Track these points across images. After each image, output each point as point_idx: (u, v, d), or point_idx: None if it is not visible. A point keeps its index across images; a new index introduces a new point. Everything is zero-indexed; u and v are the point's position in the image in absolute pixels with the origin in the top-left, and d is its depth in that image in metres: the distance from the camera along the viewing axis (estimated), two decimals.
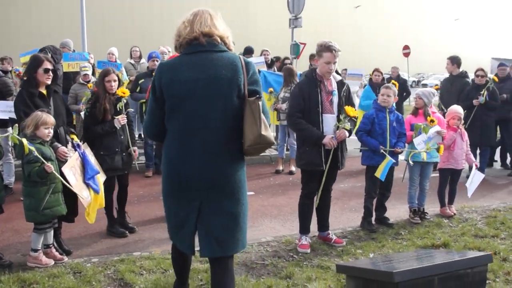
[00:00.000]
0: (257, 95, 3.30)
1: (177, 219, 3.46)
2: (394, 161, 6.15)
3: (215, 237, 3.35)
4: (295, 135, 10.10)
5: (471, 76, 9.96)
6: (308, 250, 5.56)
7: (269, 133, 3.31)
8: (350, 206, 7.70)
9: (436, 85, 10.32)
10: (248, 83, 3.31)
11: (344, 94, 5.60)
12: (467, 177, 7.30)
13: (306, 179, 5.67)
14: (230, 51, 3.39)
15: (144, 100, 8.75)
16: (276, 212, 7.42)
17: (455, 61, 10.30)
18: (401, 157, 6.59)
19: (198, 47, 3.29)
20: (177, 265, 3.98)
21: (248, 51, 11.87)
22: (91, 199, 5.25)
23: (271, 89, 10.16)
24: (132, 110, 6.27)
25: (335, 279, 4.76)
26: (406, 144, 6.43)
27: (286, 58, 11.80)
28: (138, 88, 9.05)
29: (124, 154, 6.09)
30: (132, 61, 11.87)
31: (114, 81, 5.99)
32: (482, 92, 9.39)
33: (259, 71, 11.04)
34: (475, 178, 6.98)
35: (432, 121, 6.45)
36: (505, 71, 10.64)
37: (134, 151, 6.25)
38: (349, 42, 42.67)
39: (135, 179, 6.69)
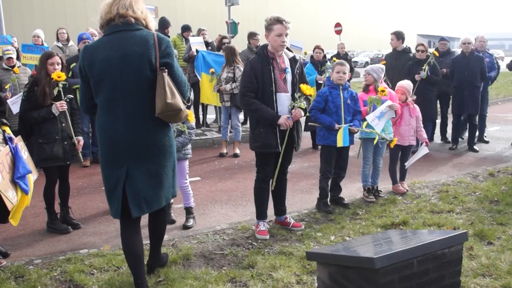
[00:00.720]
0: (164, 67, 3.62)
1: (109, 185, 3.76)
2: (349, 125, 6.04)
3: (143, 197, 3.72)
4: (238, 116, 9.91)
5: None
6: (267, 237, 5.32)
7: (176, 100, 3.61)
8: (301, 188, 7.52)
9: (384, 60, 10.19)
10: (160, 57, 3.63)
11: (298, 71, 5.34)
12: (413, 152, 7.28)
13: (261, 162, 5.40)
14: (144, 29, 3.69)
15: (78, 86, 8.21)
16: (226, 197, 7.14)
17: (400, 36, 10.29)
18: (357, 135, 6.44)
19: (115, 27, 3.64)
20: (130, 258, 3.93)
21: (186, 29, 11.42)
22: (17, 200, 4.59)
23: (212, 69, 9.78)
24: (72, 96, 5.72)
25: (300, 265, 4.56)
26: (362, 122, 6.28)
27: (224, 37, 11.42)
28: (70, 73, 8.42)
29: (65, 143, 5.58)
30: (60, 44, 11.07)
31: (58, 64, 5.51)
32: (423, 67, 9.42)
33: (197, 51, 10.67)
34: (420, 152, 6.92)
35: (382, 91, 6.31)
36: (445, 46, 10.79)
37: (78, 141, 5.73)
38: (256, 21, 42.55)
39: (72, 170, 6.17)
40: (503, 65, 16.01)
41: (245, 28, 14.56)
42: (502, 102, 18.27)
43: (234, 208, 6.68)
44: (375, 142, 6.29)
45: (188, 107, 4.25)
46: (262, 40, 11.43)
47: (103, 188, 3.87)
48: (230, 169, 8.76)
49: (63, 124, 5.58)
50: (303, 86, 5.20)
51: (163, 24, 11.24)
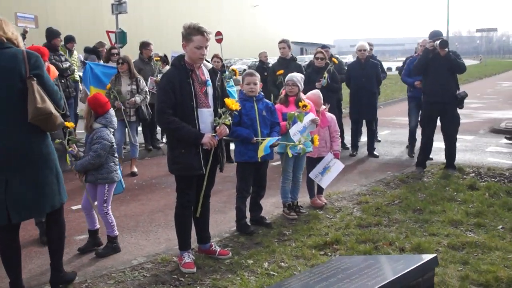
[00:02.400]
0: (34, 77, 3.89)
1: None
2: (276, 138, 5.61)
3: (23, 204, 3.91)
4: (135, 132, 9.16)
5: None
6: (194, 269, 4.74)
7: (46, 105, 3.88)
8: (212, 207, 6.95)
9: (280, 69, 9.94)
10: (30, 69, 3.91)
11: (219, 83, 4.85)
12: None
13: (182, 186, 4.82)
14: (14, 47, 3.98)
15: None
16: (133, 223, 6.45)
17: (289, 44, 10.15)
18: (276, 149, 6.03)
19: None
20: (6, 258, 4.15)
21: (69, 40, 10.46)
22: None
23: (109, 85, 8.77)
24: None
25: None
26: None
27: (113, 47, 10.61)
28: None
29: None
30: None
31: None
32: (324, 75, 9.31)
33: (85, 63, 9.83)
34: (334, 168, 6.60)
35: (305, 106, 5.94)
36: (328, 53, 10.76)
37: None
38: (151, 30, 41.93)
39: None
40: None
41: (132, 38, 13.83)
42: (384, 105, 18.99)
43: (145, 235, 6.03)
44: (301, 153, 5.91)
45: (64, 116, 4.48)
46: (159, 50, 10.83)
47: None
48: (130, 190, 7.99)
49: None
50: (228, 101, 4.71)
51: (50, 35, 10.12)
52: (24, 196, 3.91)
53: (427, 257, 3.30)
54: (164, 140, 11.46)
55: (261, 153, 5.46)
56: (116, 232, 5.48)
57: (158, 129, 11.17)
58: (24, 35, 9.45)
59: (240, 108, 4.99)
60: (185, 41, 4.63)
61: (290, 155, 5.75)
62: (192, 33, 4.56)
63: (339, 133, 6.95)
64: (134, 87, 8.67)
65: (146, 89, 8.95)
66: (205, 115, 4.70)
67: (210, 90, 4.76)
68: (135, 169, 9.11)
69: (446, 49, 7.97)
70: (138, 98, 8.63)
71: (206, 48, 4.63)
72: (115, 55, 9.87)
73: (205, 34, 4.56)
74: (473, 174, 8.12)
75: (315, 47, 13.74)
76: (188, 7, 52.34)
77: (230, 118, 4.77)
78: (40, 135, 4.01)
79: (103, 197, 5.37)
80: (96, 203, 5.43)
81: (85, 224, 6.14)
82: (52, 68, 5.91)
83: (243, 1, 63.39)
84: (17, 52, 3.95)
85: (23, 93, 3.86)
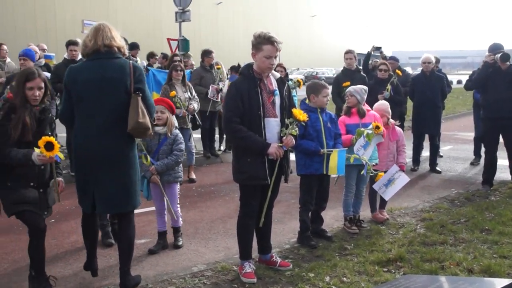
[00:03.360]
0: (139, 92, 4.24)
1: (80, 187, 4.36)
2: (344, 148, 5.53)
3: (108, 199, 4.29)
4: (192, 139, 9.16)
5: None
6: (255, 280, 4.70)
7: (146, 120, 4.21)
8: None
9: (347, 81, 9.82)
10: (134, 82, 4.24)
11: (286, 93, 4.81)
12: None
13: (247, 196, 4.79)
14: (122, 58, 4.31)
15: None
16: (192, 230, 6.47)
17: (355, 55, 10.00)
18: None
19: (98, 55, 4.23)
20: (87, 238, 4.72)
21: (133, 47, 10.67)
22: None
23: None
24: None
25: None
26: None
27: (175, 54, 10.76)
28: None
29: (41, 190, 4.43)
30: None
31: (40, 88, 4.34)
32: (387, 87, 9.15)
33: (148, 69, 10.00)
34: (399, 181, 6.40)
35: (377, 127, 5.84)
36: (395, 65, 10.58)
37: (59, 183, 4.51)
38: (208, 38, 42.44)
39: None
40: None
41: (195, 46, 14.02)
42: (446, 120, 18.48)
43: (204, 242, 6.03)
44: (361, 172, 5.80)
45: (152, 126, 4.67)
46: (216, 58, 10.89)
47: None
48: (189, 197, 8.06)
49: (42, 167, 4.41)
50: (296, 111, 4.67)
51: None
52: (110, 192, 4.27)
53: (503, 281, 3.12)
54: (222, 148, 11.53)
55: (333, 170, 5.40)
56: (181, 223, 5.96)
57: (216, 136, 11.25)
58: None
59: (307, 119, 4.92)
60: (254, 50, 4.61)
61: (352, 161, 5.61)
62: (262, 42, 4.54)
63: (405, 147, 6.78)
64: (188, 94, 8.68)
65: (197, 96, 9.03)
66: (272, 125, 4.67)
67: (277, 99, 4.72)
68: (194, 176, 9.16)
69: (508, 63, 7.70)
70: (196, 105, 8.72)
71: (275, 58, 4.60)
72: (178, 62, 9.96)
73: (275, 43, 4.54)
74: None
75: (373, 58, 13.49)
76: (245, 17, 52.84)
77: (297, 129, 4.72)
78: (130, 140, 4.37)
79: (177, 195, 5.81)
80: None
81: (145, 229, 6.25)
82: None
83: (300, 11, 63.39)
84: (124, 64, 4.25)
85: (126, 103, 4.19)
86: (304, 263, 5.17)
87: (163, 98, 5.95)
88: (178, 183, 5.84)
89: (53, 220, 6.45)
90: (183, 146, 5.71)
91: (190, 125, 8.78)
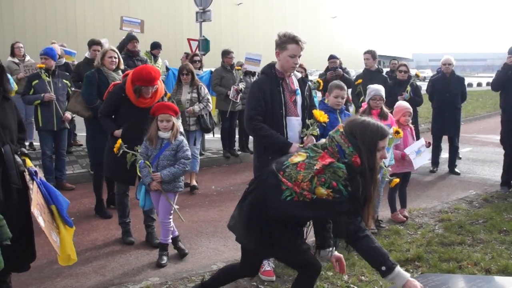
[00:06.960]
0: None
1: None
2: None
3: None
4: (199, 142, 8.83)
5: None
6: (274, 277, 4.78)
7: None
8: None
9: (359, 79, 9.87)
10: None
11: (307, 93, 4.87)
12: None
13: None
14: None
15: (39, 102, 7.65)
16: (211, 229, 6.54)
17: (375, 55, 10.06)
18: None
19: None
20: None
21: (155, 46, 10.77)
22: (60, 240, 3.93)
23: (169, 94, 8.57)
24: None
25: None
26: None
27: (195, 54, 10.83)
28: (32, 90, 7.69)
29: None
30: (16, 60, 10.31)
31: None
32: (407, 88, 9.16)
33: (168, 69, 10.12)
34: (424, 155, 6.48)
35: (397, 132, 5.88)
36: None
37: None
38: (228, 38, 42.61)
39: None
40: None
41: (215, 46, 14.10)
42: (465, 122, 18.35)
43: (224, 241, 6.10)
44: (383, 177, 5.82)
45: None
46: (236, 58, 10.97)
47: None
48: (209, 196, 8.15)
49: None
50: (317, 112, 4.72)
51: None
52: None
53: None
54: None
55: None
56: (170, 241, 5.51)
57: (237, 137, 11.30)
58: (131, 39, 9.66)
59: (328, 120, 4.96)
60: (278, 49, 4.65)
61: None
62: (287, 41, 4.58)
63: None
64: (195, 95, 8.15)
65: (208, 96, 8.40)
66: (294, 124, 4.73)
67: (299, 99, 4.78)
68: (195, 182, 8.58)
69: None
70: (197, 107, 8.10)
71: (299, 57, 4.66)
72: (197, 62, 9.99)
73: (299, 43, 4.58)
74: None
75: (393, 59, 13.49)
76: (265, 17, 52.86)
77: (317, 129, 4.77)
78: None
79: (171, 207, 5.37)
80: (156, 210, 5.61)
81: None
82: (162, 85, 5.78)
83: (319, 12, 63.18)
84: None
85: None
86: (322, 261, 5.21)
87: (167, 105, 5.40)
88: (177, 193, 5.49)
89: (73, 218, 6.56)
90: (189, 153, 5.37)
91: (194, 128, 8.33)
